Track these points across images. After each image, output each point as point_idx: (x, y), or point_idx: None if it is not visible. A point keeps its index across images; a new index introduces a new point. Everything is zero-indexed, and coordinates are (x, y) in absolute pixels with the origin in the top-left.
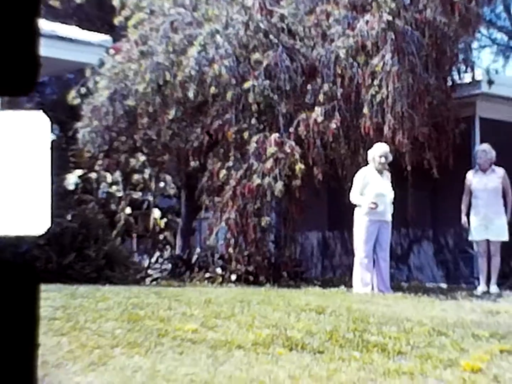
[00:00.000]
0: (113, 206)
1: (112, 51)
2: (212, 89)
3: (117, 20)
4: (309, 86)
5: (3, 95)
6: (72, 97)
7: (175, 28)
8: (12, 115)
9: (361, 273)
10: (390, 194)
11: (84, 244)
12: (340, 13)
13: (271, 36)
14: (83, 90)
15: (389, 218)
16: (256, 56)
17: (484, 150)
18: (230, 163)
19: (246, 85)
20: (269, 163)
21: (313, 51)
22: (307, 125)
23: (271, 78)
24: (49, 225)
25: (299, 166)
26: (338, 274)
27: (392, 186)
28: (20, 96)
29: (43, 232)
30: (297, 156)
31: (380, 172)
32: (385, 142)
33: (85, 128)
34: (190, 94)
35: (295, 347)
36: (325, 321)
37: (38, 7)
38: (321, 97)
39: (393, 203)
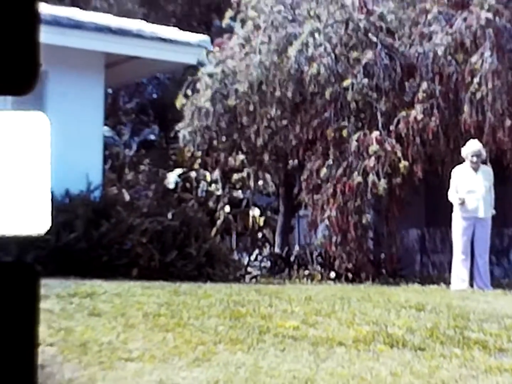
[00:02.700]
0: (212, 205)
1: (216, 48)
2: (312, 88)
3: (227, 16)
4: (407, 84)
5: (3, 94)
6: (180, 97)
7: (276, 26)
8: (12, 115)
9: (457, 270)
10: (481, 191)
11: (185, 242)
12: (438, 10)
13: (370, 35)
14: (186, 91)
15: (483, 214)
16: (355, 54)
17: None
18: (330, 161)
19: (346, 83)
20: (371, 161)
21: (411, 48)
22: (407, 123)
23: (369, 76)
24: (49, 225)
25: (404, 164)
26: (436, 271)
27: (494, 181)
28: (20, 96)
29: (45, 232)
30: (399, 154)
31: (474, 169)
32: (486, 139)
33: (186, 127)
34: (290, 93)
35: (396, 344)
36: (425, 318)
37: (37, 5)
38: (420, 95)
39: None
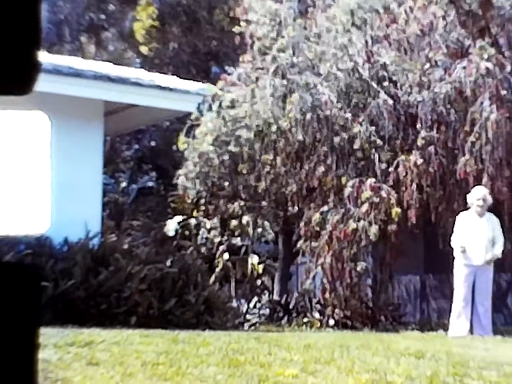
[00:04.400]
0: (211, 252)
1: (219, 91)
2: (315, 135)
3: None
4: (408, 132)
5: (2, 94)
6: (182, 143)
7: (280, 73)
8: (12, 115)
9: (457, 316)
10: (484, 238)
11: (184, 289)
12: (438, 58)
13: (373, 83)
14: (186, 137)
15: (484, 262)
16: (358, 102)
17: None
18: (325, 208)
19: (354, 130)
20: (364, 207)
21: (411, 96)
22: (405, 167)
23: (373, 124)
24: (49, 225)
25: (396, 210)
26: (436, 318)
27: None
28: (20, 95)
29: (44, 231)
30: (393, 200)
31: (479, 215)
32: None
33: (185, 174)
34: (294, 139)
35: None
36: (425, 366)
37: (38, 2)
38: (419, 142)
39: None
